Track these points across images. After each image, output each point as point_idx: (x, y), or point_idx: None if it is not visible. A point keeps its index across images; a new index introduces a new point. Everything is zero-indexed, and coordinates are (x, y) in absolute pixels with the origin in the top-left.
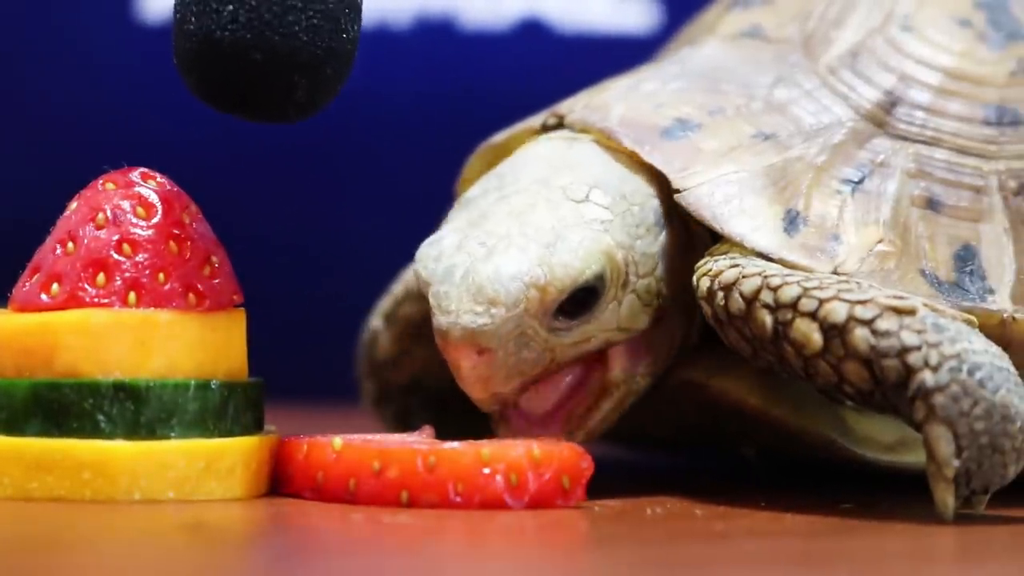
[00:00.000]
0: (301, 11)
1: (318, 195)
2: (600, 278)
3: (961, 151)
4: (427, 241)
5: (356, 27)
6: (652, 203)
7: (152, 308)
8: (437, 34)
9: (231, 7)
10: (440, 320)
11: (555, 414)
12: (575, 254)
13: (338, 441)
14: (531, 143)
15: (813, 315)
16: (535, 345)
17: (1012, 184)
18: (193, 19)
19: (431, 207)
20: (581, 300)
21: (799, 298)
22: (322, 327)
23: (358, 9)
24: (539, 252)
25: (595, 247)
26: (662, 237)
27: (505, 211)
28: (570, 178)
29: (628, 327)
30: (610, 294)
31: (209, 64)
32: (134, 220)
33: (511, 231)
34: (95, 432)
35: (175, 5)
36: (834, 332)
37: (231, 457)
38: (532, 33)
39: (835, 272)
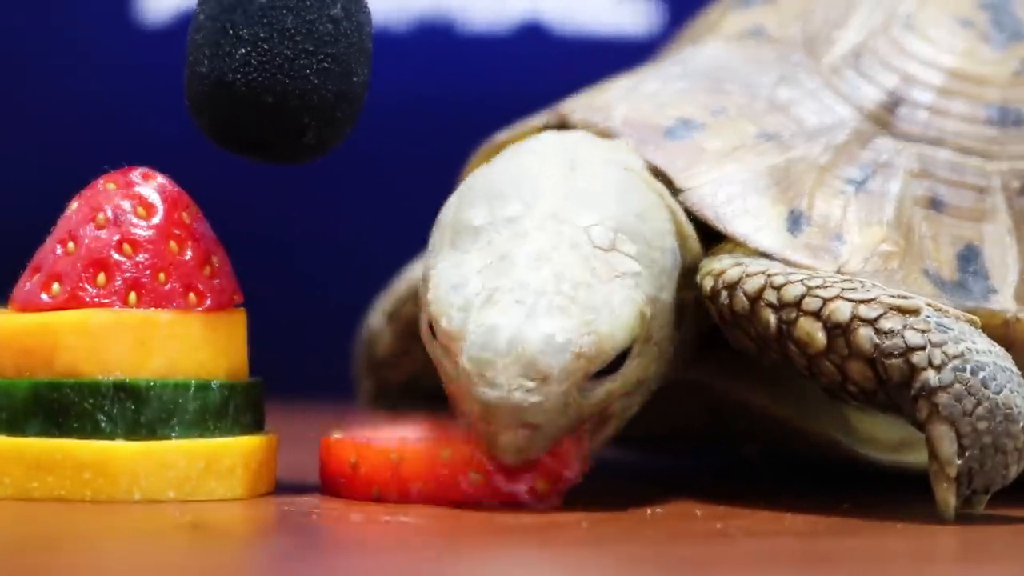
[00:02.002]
0: (312, 55)
1: (318, 196)
2: (635, 340)
3: (964, 151)
4: (445, 281)
5: (366, 71)
6: (669, 243)
7: (152, 308)
8: (437, 36)
9: (243, 50)
10: (485, 394)
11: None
12: (620, 320)
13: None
14: (520, 145)
15: (817, 314)
16: (571, 411)
17: (1015, 184)
18: (206, 61)
19: (431, 208)
20: (614, 362)
21: (803, 297)
22: (320, 326)
23: (368, 53)
24: (583, 317)
25: (633, 311)
26: (674, 280)
27: (529, 254)
28: (590, 218)
29: (641, 379)
30: (635, 351)
31: (221, 106)
32: (135, 220)
33: (546, 287)
34: (95, 432)
35: (188, 47)
36: (838, 331)
37: (231, 457)
38: (532, 35)
39: (839, 272)
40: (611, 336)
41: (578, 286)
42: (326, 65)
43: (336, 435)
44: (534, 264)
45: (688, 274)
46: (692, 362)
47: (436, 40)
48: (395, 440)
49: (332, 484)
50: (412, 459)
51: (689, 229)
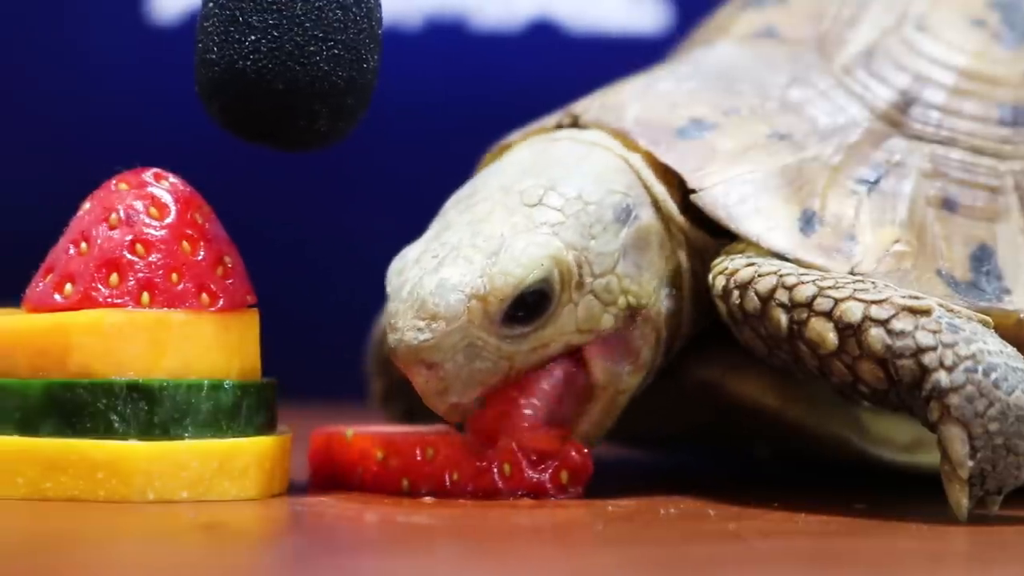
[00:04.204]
0: (323, 41)
1: (328, 195)
2: (546, 282)
3: (976, 151)
4: (399, 254)
5: (377, 57)
6: (612, 199)
7: (165, 308)
8: (448, 34)
9: (253, 37)
10: (390, 337)
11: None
12: (516, 261)
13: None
14: (518, 146)
15: (828, 314)
16: (488, 355)
17: None
18: (215, 48)
19: (441, 208)
20: (532, 306)
21: (814, 297)
22: (332, 326)
23: (379, 40)
24: (483, 262)
25: (539, 252)
26: (624, 234)
27: (466, 220)
28: (532, 182)
29: (589, 328)
30: (563, 297)
31: (231, 94)
32: (147, 220)
33: (462, 241)
34: (109, 432)
35: (197, 34)
36: (849, 332)
37: (245, 457)
38: (544, 33)
39: (852, 272)
40: (504, 275)
41: (491, 238)
42: (336, 52)
43: (350, 430)
44: (464, 227)
45: (673, 241)
46: (710, 349)
47: (447, 38)
48: (430, 432)
49: (348, 479)
50: (447, 451)
51: (661, 193)
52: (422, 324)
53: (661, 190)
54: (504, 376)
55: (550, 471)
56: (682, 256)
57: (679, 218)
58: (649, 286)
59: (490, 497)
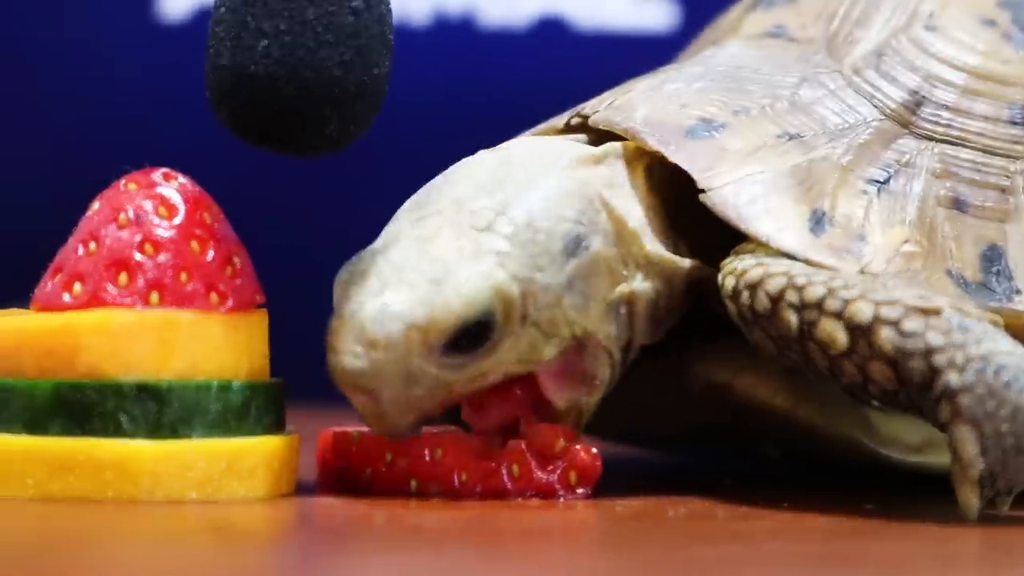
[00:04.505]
0: (334, 47)
1: (334, 194)
2: (489, 314)
3: (987, 151)
4: (348, 261)
5: (388, 62)
6: (562, 228)
7: (174, 308)
8: (455, 32)
9: (264, 42)
10: (329, 357)
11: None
12: (459, 292)
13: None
14: (483, 151)
15: (839, 315)
16: (425, 382)
17: None
18: (226, 54)
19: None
20: (473, 336)
21: (824, 298)
22: None
23: (390, 44)
24: (426, 288)
25: (483, 284)
26: (572, 264)
27: (414, 235)
28: (484, 202)
29: (530, 359)
30: (507, 329)
31: (242, 98)
32: (156, 220)
33: (407, 263)
34: (117, 432)
35: (208, 39)
36: (859, 332)
37: (253, 457)
38: (551, 31)
39: (862, 273)
40: (445, 307)
41: (436, 262)
42: (347, 57)
43: (357, 432)
44: (411, 244)
45: (628, 266)
46: (718, 349)
47: (454, 36)
48: (438, 433)
49: (356, 480)
50: (456, 451)
51: (634, 223)
52: (359, 351)
53: (625, 209)
54: (441, 402)
55: (559, 472)
56: (638, 277)
57: (643, 240)
58: (595, 314)
59: (499, 498)
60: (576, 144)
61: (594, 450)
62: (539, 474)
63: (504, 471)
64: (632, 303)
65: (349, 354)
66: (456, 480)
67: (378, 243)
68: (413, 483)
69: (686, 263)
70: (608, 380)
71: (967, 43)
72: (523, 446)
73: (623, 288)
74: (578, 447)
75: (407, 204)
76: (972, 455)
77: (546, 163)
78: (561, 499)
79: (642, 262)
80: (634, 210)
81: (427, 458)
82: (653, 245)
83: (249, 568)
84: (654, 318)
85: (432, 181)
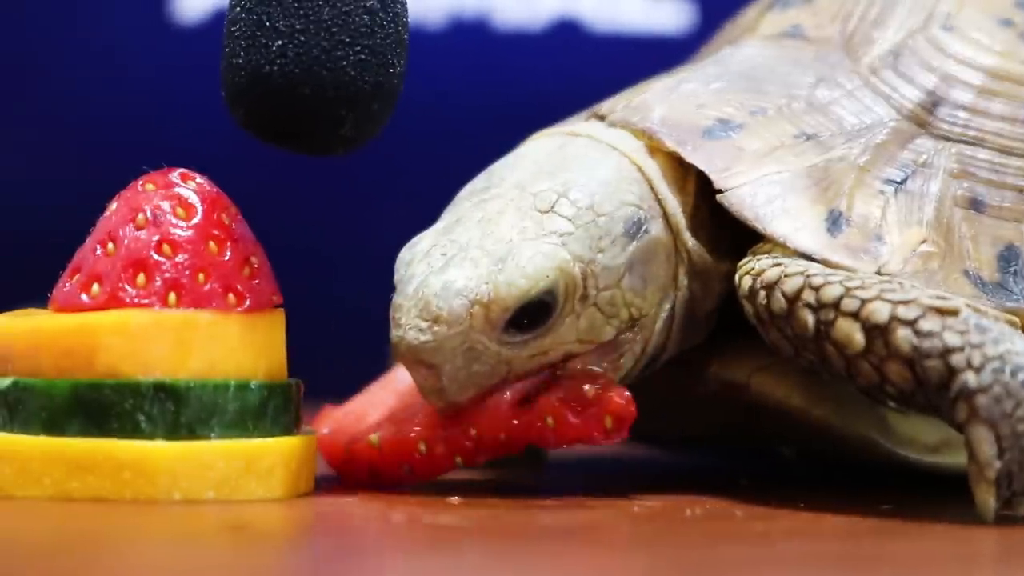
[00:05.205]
0: (349, 46)
1: (351, 194)
2: (550, 294)
3: (1004, 151)
4: (409, 242)
5: (403, 62)
6: (623, 212)
7: (192, 308)
8: (470, 34)
9: (280, 42)
10: (392, 332)
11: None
12: (522, 271)
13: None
14: (535, 137)
15: (855, 315)
16: (487, 359)
17: None
18: (242, 53)
19: (456, 196)
20: (534, 314)
21: (841, 298)
22: (357, 327)
23: (405, 44)
24: (489, 267)
25: (546, 263)
26: (632, 247)
27: (477, 217)
28: (546, 184)
29: (589, 339)
30: (566, 308)
31: (257, 98)
32: (174, 221)
33: (471, 241)
34: (135, 432)
35: (224, 39)
36: (876, 332)
37: (271, 457)
38: (566, 32)
39: (879, 273)
40: (508, 285)
41: (499, 241)
42: (363, 56)
43: (374, 436)
44: (475, 225)
45: (676, 258)
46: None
47: (469, 38)
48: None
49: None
50: (486, 422)
51: (672, 206)
52: (424, 325)
53: (673, 203)
54: (501, 379)
55: (594, 417)
56: (681, 273)
57: (685, 235)
58: (653, 299)
59: (544, 445)
60: (629, 135)
61: (627, 393)
62: (574, 419)
63: (541, 425)
64: (675, 296)
65: (413, 329)
66: (499, 444)
67: (439, 224)
68: (458, 459)
69: (723, 264)
70: (627, 368)
71: (984, 43)
72: (554, 399)
73: (674, 276)
74: (611, 392)
75: (466, 189)
76: (989, 455)
77: (605, 149)
78: (601, 443)
79: (684, 256)
80: (674, 204)
81: (463, 437)
82: (692, 241)
83: (267, 568)
84: (691, 319)
85: (490, 167)
